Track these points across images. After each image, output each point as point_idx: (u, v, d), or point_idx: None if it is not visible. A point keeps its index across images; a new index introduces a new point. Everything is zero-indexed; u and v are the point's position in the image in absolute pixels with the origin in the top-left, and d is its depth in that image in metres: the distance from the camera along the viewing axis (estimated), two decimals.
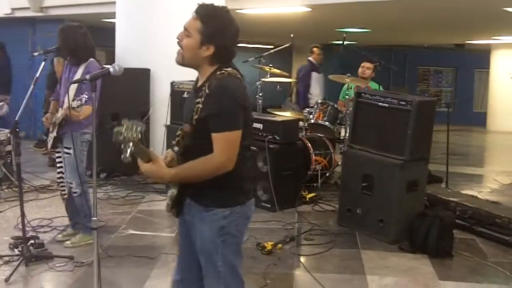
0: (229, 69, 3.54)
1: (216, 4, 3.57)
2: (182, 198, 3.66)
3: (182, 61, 3.57)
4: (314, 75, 12.78)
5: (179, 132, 3.61)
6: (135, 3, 9.42)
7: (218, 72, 3.50)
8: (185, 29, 3.53)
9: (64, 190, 6.77)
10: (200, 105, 3.43)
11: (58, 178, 6.86)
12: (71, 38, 6.52)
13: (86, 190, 6.62)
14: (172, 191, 3.62)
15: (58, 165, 6.87)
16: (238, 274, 3.72)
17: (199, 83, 3.58)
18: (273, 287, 5.80)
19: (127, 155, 3.17)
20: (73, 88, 6.29)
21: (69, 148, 6.47)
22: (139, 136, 3.19)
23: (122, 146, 3.19)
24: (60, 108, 6.52)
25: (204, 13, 3.50)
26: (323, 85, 13.04)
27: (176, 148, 3.58)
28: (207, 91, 3.44)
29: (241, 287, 3.78)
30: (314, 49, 12.93)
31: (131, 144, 3.16)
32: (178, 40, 3.56)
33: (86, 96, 5.97)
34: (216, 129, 3.40)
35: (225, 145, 3.40)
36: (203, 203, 3.57)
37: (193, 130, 3.50)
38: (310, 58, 12.91)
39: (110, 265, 6.05)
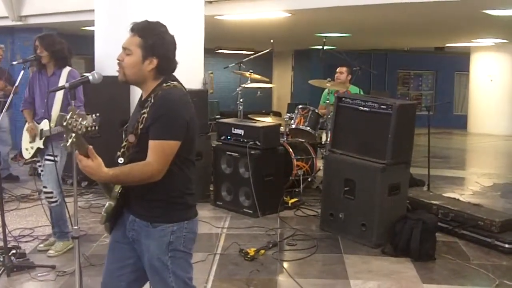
0: (175, 82, 3.57)
1: (151, 20, 3.63)
2: (118, 212, 3.65)
3: (125, 79, 3.57)
4: None
5: (124, 143, 3.57)
6: (114, 10, 9.38)
7: (164, 84, 3.52)
8: (124, 48, 3.55)
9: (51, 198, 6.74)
10: (145, 115, 3.44)
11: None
12: (51, 44, 6.59)
13: (63, 198, 6.64)
14: (110, 204, 3.59)
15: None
16: (191, 285, 3.71)
17: (144, 97, 3.59)
18: None
19: (68, 144, 3.17)
20: (58, 99, 6.42)
21: (55, 156, 6.46)
22: (83, 130, 3.19)
23: (65, 134, 3.19)
24: (47, 120, 6.52)
25: (140, 28, 3.54)
26: None
27: (121, 159, 3.53)
28: (152, 101, 3.45)
29: None
30: None
31: (73, 135, 3.15)
32: (119, 61, 3.56)
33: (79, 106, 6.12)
34: (154, 136, 3.39)
35: (159, 154, 3.38)
36: (149, 219, 3.55)
37: (138, 140, 3.49)
38: None
39: (92, 273, 6.00)
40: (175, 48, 3.62)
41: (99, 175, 3.30)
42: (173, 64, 3.62)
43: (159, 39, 3.52)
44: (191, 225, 3.63)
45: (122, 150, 3.55)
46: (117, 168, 3.40)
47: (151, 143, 3.39)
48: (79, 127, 3.16)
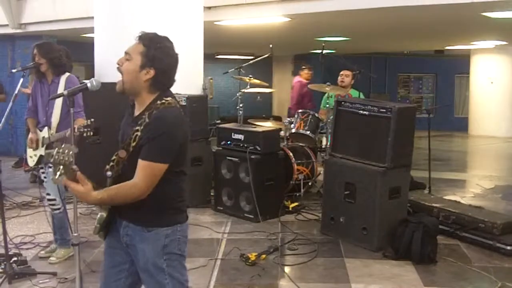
0: (169, 98, 3.55)
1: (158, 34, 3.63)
2: (111, 221, 3.68)
3: (122, 88, 3.57)
4: None
5: (114, 157, 3.57)
6: (113, 17, 9.37)
7: (159, 102, 3.50)
8: (126, 53, 3.56)
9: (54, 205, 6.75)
10: (139, 133, 3.44)
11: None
12: (49, 52, 6.60)
13: (65, 205, 6.66)
14: (102, 214, 3.62)
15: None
16: (187, 287, 3.73)
17: (138, 112, 3.59)
18: None
19: (56, 177, 3.22)
20: (58, 106, 6.46)
21: None
22: (71, 159, 3.22)
23: (52, 168, 3.26)
24: (47, 128, 6.52)
25: (147, 38, 3.55)
26: None
27: (109, 173, 3.55)
28: (147, 120, 3.45)
29: None
30: None
31: (61, 167, 3.20)
32: (118, 65, 3.58)
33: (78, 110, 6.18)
34: (145, 156, 3.41)
35: (148, 175, 3.41)
36: (142, 224, 3.56)
37: (129, 157, 3.50)
38: None
39: (93, 280, 5.97)
40: (175, 66, 3.61)
41: (88, 200, 3.41)
42: (170, 81, 3.62)
43: (162, 52, 3.52)
44: (184, 228, 3.67)
45: (111, 164, 3.57)
46: (105, 191, 3.43)
47: (141, 162, 3.41)
48: (67, 158, 3.20)
